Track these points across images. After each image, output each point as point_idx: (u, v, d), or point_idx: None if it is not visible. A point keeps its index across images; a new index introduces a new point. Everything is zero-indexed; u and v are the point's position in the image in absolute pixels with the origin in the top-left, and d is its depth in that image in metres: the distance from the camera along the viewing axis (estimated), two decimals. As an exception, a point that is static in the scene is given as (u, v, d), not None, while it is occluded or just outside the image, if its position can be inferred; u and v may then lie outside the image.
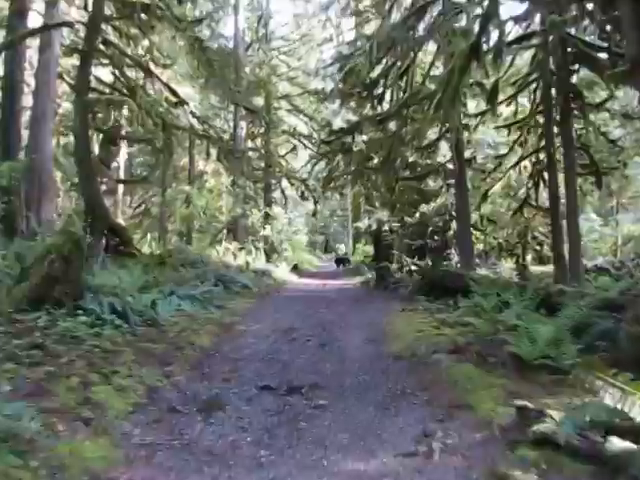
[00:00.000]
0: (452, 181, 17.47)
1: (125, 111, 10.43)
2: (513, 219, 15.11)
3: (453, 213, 18.17)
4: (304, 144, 24.89)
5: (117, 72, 9.76)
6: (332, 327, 6.44)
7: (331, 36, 23.15)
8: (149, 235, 25.25)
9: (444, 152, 13.56)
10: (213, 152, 22.12)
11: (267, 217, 20.13)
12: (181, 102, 11.82)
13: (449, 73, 4.94)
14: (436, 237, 18.39)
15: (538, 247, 17.37)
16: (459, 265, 14.39)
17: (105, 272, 7.83)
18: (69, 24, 9.44)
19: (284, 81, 24.82)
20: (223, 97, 12.06)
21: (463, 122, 10.54)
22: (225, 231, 20.90)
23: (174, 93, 12.11)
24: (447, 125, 11.13)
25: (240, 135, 20.96)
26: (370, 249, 31.21)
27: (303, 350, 5.17)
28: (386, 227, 17.98)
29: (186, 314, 6.45)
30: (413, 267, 13.30)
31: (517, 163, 13.19)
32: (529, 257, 17.41)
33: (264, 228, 18.92)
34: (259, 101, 25.14)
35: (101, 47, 10.27)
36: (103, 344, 4.29)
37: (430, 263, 13.32)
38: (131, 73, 12.19)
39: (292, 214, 33.15)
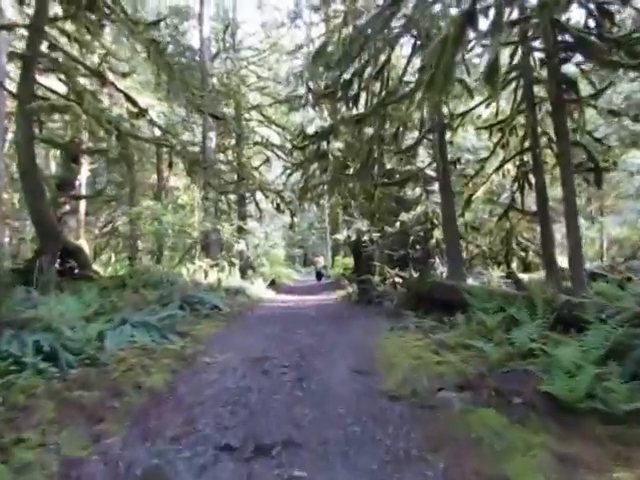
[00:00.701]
0: (433, 187, 16.95)
1: (71, 118, 9.44)
2: (498, 225, 14.54)
3: (435, 221, 17.61)
4: (277, 155, 24.09)
5: (64, 77, 8.78)
6: (312, 354, 5.55)
7: (301, 44, 22.60)
8: (113, 256, 23.98)
9: (423, 157, 12.94)
10: (180, 163, 21.15)
11: (241, 231, 19.15)
12: (142, 112, 10.87)
13: (442, 43, 4.24)
14: (418, 247, 17.77)
15: (523, 253, 16.86)
16: (445, 275, 13.72)
17: (51, 300, 6.82)
18: (8, 27, 8.44)
19: (254, 91, 24.09)
20: (186, 104, 11.11)
21: (445, 122, 9.88)
22: (199, 247, 19.85)
23: (133, 102, 11.15)
24: (428, 126, 10.52)
25: (210, 147, 20.01)
26: (350, 261, 30.48)
27: (276, 387, 4.26)
28: (366, 237, 17.23)
29: (140, 346, 5.46)
30: (397, 279, 12.52)
31: (500, 166, 12.63)
32: (514, 264, 16.88)
33: (238, 243, 17.92)
34: (229, 112, 24.36)
35: (47, 52, 9.28)
36: (12, 398, 3.31)
37: (415, 274, 12.58)
38: (86, 81, 11.24)
39: (268, 228, 32.25)
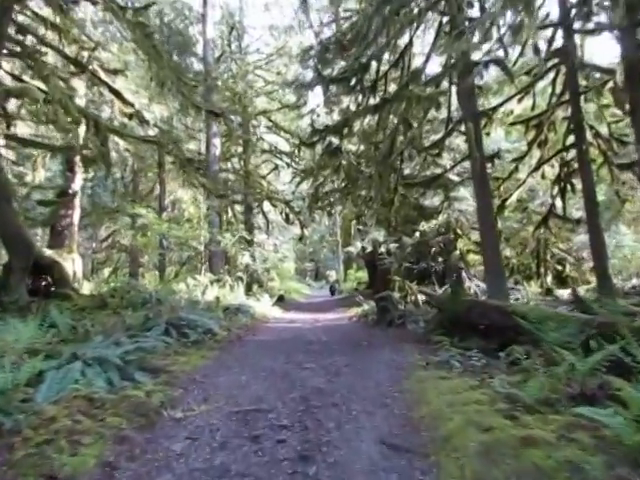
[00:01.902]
0: (456, 194, 15.41)
1: (30, 103, 8.14)
2: (534, 235, 12.91)
3: (458, 231, 16.05)
4: (287, 163, 22.79)
5: (30, 61, 7.54)
6: (322, 405, 4.01)
7: (310, 46, 21.35)
8: (112, 271, 22.72)
9: (446, 161, 11.43)
10: (171, 165, 19.93)
11: (248, 243, 17.72)
12: (134, 111, 9.58)
13: None
14: (440, 259, 16.18)
15: (559, 267, 15.15)
16: (477, 291, 12.09)
17: (7, 325, 5.48)
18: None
19: (261, 96, 22.89)
20: (180, 98, 9.78)
21: (479, 110, 8.39)
22: (206, 261, 18.47)
23: (124, 101, 9.87)
24: (459, 116, 9.02)
25: (214, 154, 18.74)
26: (363, 275, 28.88)
27: (267, 472, 2.75)
28: (382, 249, 15.69)
29: (85, 394, 3.98)
30: (420, 296, 10.93)
31: (538, 167, 11.07)
32: (549, 278, 15.18)
33: (242, 255, 16.48)
34: (236, 119, 23.18)
35: (15, 35, 8.03)
36: None
37: (440, 290, 11.00)
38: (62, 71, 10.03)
39: (278, 240, 30.89)
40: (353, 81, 8.33)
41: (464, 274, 13.45)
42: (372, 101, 8.78)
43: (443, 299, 7.97)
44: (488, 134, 9.54)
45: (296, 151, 21.54)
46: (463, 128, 8.79)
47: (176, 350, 6.56)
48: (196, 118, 21.54)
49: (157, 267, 21.89)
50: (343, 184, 17.47)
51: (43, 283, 9.14)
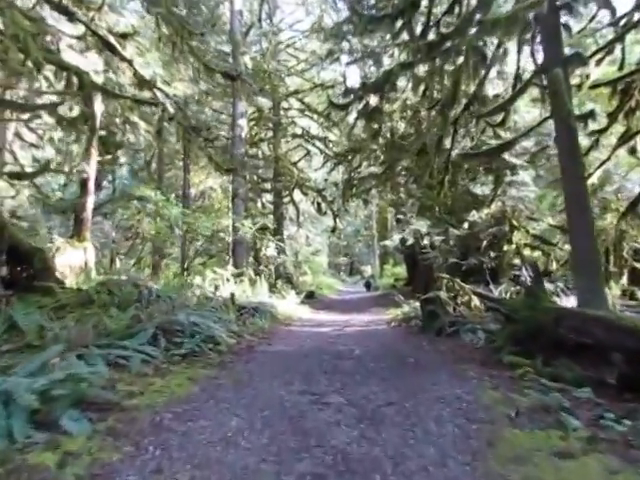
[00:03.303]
0: (514, 177, 13.24)
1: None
2: (617, 226, 10.63)
3: (514, 222, 13.84)
4: (319, 149, 21.02)
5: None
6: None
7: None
8: (134, 262, 21.61)
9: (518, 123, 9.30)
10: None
11: (273, 233, 16.07)
12: (146, 82, 8.05)
13: None
14: (492, 254, 14.04)
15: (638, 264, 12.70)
16: (564, 296, 9.97)
17: None
18: None
19: (293, 76, 21.16)
20: (192, 60, 8.18)
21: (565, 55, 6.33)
22: (231, 253, 17.01)
23: (135, 70, 8.34)
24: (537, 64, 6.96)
25: (239, 135, 17.19)
26: (401, 270, 26.82)
27: None
28: (425, 241, 13.71)
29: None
30: (475, 297, 8.95)
31: (625, 141, 8.84)
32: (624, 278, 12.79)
33: (266, 247, 14.86)
34: (266, 103, 21.59)
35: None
36: None
37: (507, 292, 9.01)
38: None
39: (309, 232, 29.27)
40: (398, 23, 6.47)
41: (524, 272, 11.30)
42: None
43: (517, 305, 6.00)
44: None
45: (332, 141, 19.80)
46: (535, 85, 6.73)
47: (158, 367, 4.94)
48: (223, 99, 20.13)
49: (181, 259, 20.67)
50: (381, 169, 15.60)
51: (24, 274, 7.74)
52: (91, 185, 16.04)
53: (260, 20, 20.16)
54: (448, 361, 5.54)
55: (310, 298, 16.17)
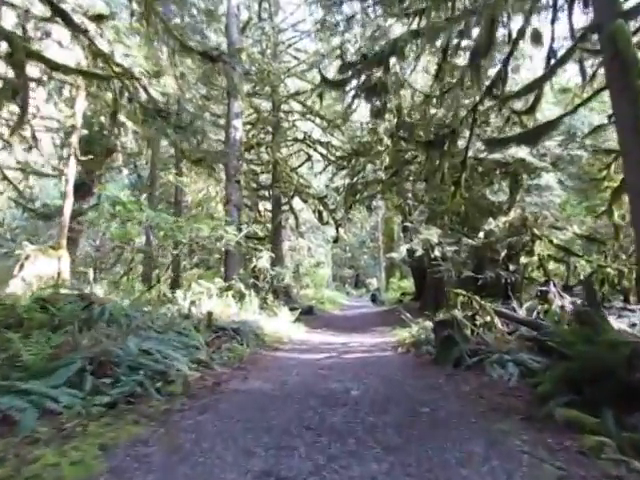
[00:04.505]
0: (535, 182, 11.76)
1: None
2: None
3: (535, 230, 12.32)
4: (321, 154, 19.64)
5: None
6: None
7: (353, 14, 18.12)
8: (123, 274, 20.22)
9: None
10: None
11: (260, 241, 14.62)
12: (100, 55, 6.72)
13: None
14: (511, 267, 12.51)
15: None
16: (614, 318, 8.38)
17: None
18: None
19: (293, 77, 19.89)
20: (167, 39, 6.84)
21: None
22: (223, 265, 15.60)
23: (89, 44, 7.00)
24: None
25: (234, 137, 15.85)
26: (408, 284, 25.21)
27: None
28: (437, 252, 12.19)
29: None
30: (497, 319, 7.41)
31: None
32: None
33: (258, 258, 13.41)
34: (265, 105, 20.34)
35: None
36: None
37: (547, 312, 7.50)
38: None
39: (311, 243, 27.84)
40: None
41: (552, 288, 9.75)
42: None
43: (566, 335, 4.49)
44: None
45: (335, 146, 18.43)
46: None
47: (63, 423, 3.47)
48: (223, 102, 18.91)
49: (172, 270, 19.26)
50: (386, 174, 14.20)
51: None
52: (69, 188, 14.78)
53: (260, 17, 18.97)
54: (477, 412, 4.02)
55: (308, 314, 14.66)
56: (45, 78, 15.78)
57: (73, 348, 4.97)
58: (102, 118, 17.57)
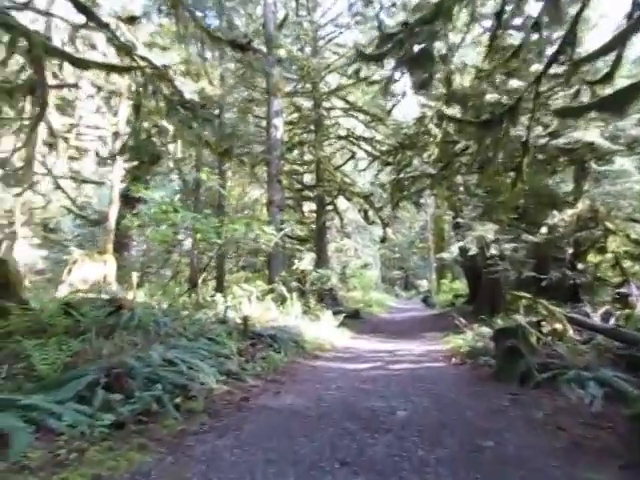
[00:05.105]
0: (607, 167, 10.50)
1: None
2: None
3: (608, 224, 11.00)
4: (365, 150, 18.91)
5: None
6: None
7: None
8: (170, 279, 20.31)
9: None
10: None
11: (316, 245, 14.08)
12: (123, 49, 6.41)
13: None
14: (579, 266, 11.28)
15: None
16: None
17: None
18: None
19: (333, 73, 19.26)
20: (194, 30, 6.44)
21: None
22: (267, 267, 15.25)
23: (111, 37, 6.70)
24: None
25: (275, 136, 15.50)
26: (461, 286, 23.90)
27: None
28: (492, 251, 11.16)
29: None
30: (569, 328, 6.41)
31: None
32: None
33: (300, 259, 12.86)
34: (307, 104, 19.86)
35: None
36: None
37: (628, 318, 6.47)
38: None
39: (358, 244, 27.13)
40: None
41: (634, 290, 8.53)
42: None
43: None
44: None
45: (379, 141, 17.65)
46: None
47: (59, 447, 3.01)
48: (262, 103, 18.65)
49: (215, 273, 19.16)
50: (435, 167, 13.28)
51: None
52: (115, 194, 14.92)
53: (297, 13, 18.52)
54: (556, 450, 3.21)
55: (354, 318, 13.96)
56: (95, 91, 16.11)
57: (92, 357, 4.59)
58: (145, 124, 17.79)
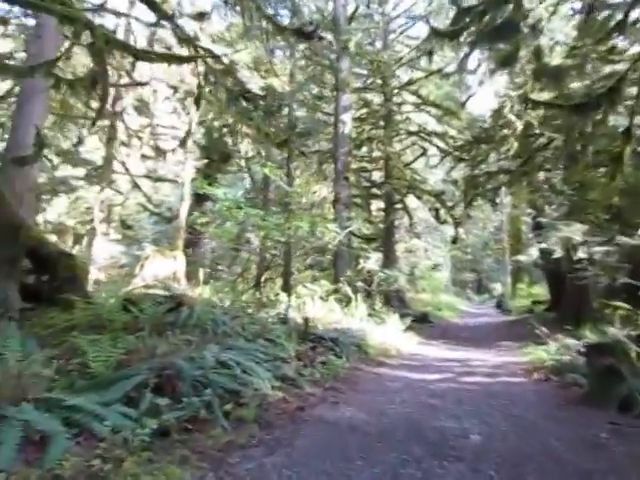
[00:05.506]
0: None
1: None
2: None
3: None
4: (437, 146, 18.02)
5: None
6: None
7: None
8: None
9: None
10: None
11: (384, 245, 13.56)
12: (186, 40, 6.33)
13: None
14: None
15: None
16: None
17: None
18: None
19: (404, 66, 18.53)
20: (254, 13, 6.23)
21: None
22: (333, 267, 14.99)
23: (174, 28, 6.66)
24: None
25: (342, 132, 15.13)
26: (541, 291, 22.17)
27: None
28: (580, 254, 10.02)
29: None
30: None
31: None
32: None
33: (366, 258, 12.37)
34: (376, 100, 19.29)
35: None
36: None
37: None
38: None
39: (428, 244, 26.12)
40: None
41: None
42: None
43: None
44: None
45: (453, 137, 16.74)
46: None
47: (96, 457, 2.82)
48: (331, 100, 18.40)
49: (282, 271, 19.15)
50: (515, 163, 12.25)
51: (54, 284, 6.38)
52: (186, 192, 15.33)
53: (368, 5, 18.01)
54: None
55: (422, 322, 13.27)
56: (171, 92, 16.69)
57: (145, 356, 4.47)
58: (216, 123, 18.19)
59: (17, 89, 9.76)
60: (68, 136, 16.86)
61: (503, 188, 13.06)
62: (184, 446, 3.15)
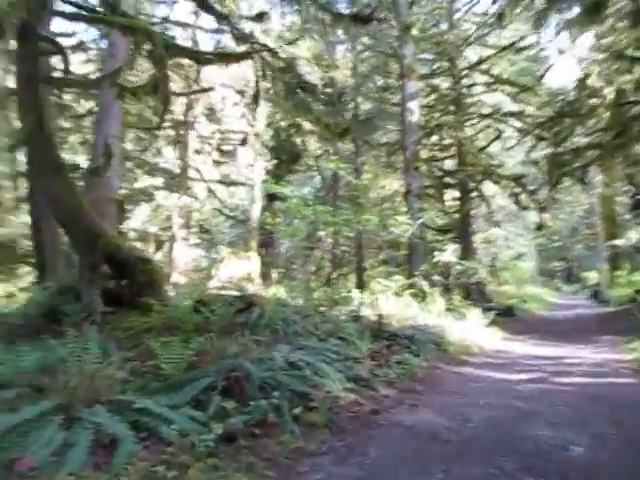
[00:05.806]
0: None
1: None
2: None
3: None
4: (513, 126, 16.79)
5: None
6: None
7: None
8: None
9: None
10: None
11: (460, 236, 12.87)
12: (243, 38, 6.30)
13: None
14: None
15: None
16: None
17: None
18: None
19: (473, 45, 17.44)
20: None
21: None
22: (408, 261, 14.54)
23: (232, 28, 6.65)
24: None
25: (410, 120, 14.57)
26: (644, 279, 19.98)
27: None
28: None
29: None
30: None
31: None
32: None
33: (441, 251, 11.76)
34: (444, 85, 18.40)
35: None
36: None
37: None
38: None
39: (508, 233, 24.59)
40: None
41: None
42: None
43: None
44: None
45: (530, 115, 15.48)
46: None
47: (162, 462, 2.75)
48: (397, 90, 17.83)
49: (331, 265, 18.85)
50: (606, 136, 11.02)
51: (134, 288, 6.64)
52: (257, 193, 15.59)
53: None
54: None
55: (506, 316, 12.39)
56: (239, 98, 17.08)
57: (215, 357, 4.44)
58: (283, 123, 18.38)
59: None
60: (147, 146, 17.81)
61: (593, 165, 11.78)
62: (251, 452, 3.01)
